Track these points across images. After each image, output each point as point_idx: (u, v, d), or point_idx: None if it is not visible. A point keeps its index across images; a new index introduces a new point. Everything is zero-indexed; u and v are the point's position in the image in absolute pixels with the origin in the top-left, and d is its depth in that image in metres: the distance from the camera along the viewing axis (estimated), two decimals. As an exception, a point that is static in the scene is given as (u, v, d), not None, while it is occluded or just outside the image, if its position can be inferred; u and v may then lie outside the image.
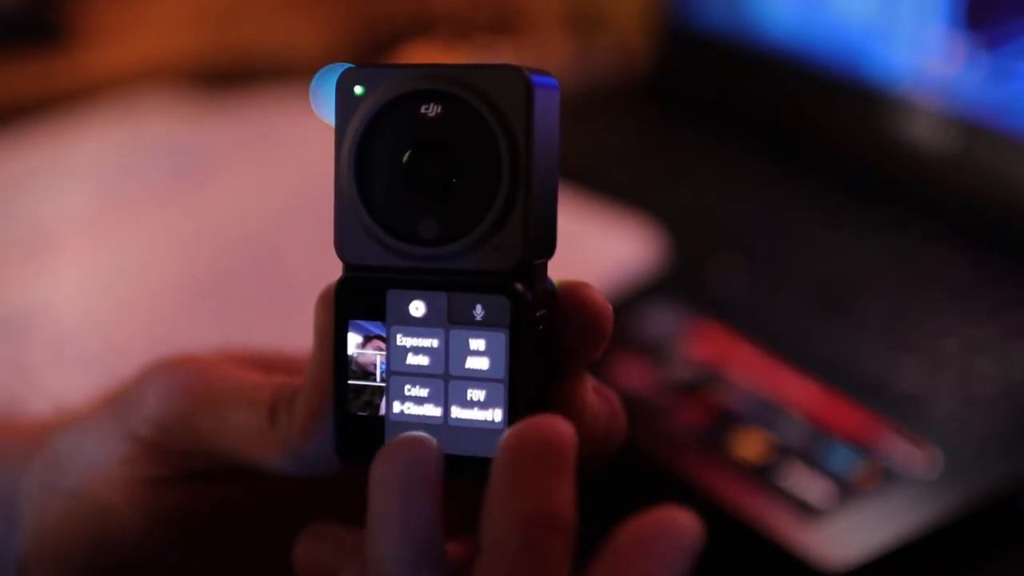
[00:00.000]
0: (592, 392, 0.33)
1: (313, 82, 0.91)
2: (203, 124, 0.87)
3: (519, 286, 0.31)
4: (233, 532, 0.37)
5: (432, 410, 0.32)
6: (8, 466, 0.38)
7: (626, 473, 0.36)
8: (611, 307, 0.32)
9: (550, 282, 0.32)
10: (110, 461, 0.35)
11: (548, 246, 0.32)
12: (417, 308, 0.32)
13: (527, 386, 0.31)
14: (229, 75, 1.01)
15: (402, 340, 0.32)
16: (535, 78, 0.31)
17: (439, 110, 0.31)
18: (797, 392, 0.57)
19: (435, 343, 0.31)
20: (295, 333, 0.36)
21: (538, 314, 0.31)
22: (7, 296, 0.63)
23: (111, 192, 0.76)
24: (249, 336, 0.62)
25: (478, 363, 0.31)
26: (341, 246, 0.32)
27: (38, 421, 0.42)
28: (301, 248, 0.69)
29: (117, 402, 0.36)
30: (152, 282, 0.66)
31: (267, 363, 0.37)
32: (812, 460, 0.52)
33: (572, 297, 0.32)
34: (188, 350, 0.37)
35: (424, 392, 0.32)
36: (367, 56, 1.01)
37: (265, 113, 0.88)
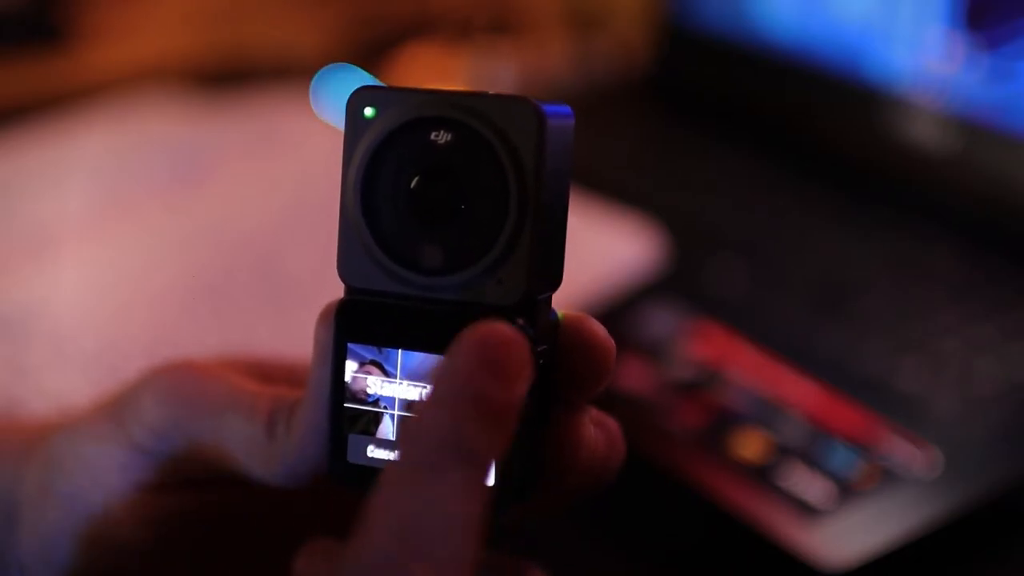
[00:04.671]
0: (591, 425, 0.32)
1: (313, 82, 0.90)
2: (203, 124, 0.87)
3: (520, 321, 0.30)
4: (231, 540, 0.37)
5: None
6: (7, 467, 0.38)
7: (626, 473, 0.36)
8: (614, 343, 0.32)
9: (554, 314, 0.32)
10: (107, 467, 0.35)
11: (553, 280, 0.32)
12: (417, 336, 0.31)
13: (524, 420, 0.30)
14: (229, 75, 1.00)
15: (400, 367, 0.31)
16: (548, 109, 0.30)
17: (449, 138, 0.31)
18: (797, 392, 0.57)
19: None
20: (295, 333, 0.36)
21: (539, 349, 0.31)
22: (7, 295, 0.63)
23: (111, 192, 0.76)
24: (249, 336, 0.62)
25: None
26: (343, 268, 0.32)
27: (37, 422, 0.42)
28: (301, 248, 0.69)
29: (114, 407, 0.36)
30: (152, 282, 0.66)
31: (268, 370, 0.37)
32: (812, 460, 0.52)
33: (575, 332, 0.32)
34: (189, 354, 0.37)
35: None
36: (366, 56, 1.01)
37: (265, 113, 0.88)
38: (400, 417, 0.31)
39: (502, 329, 0.28)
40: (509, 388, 0.28)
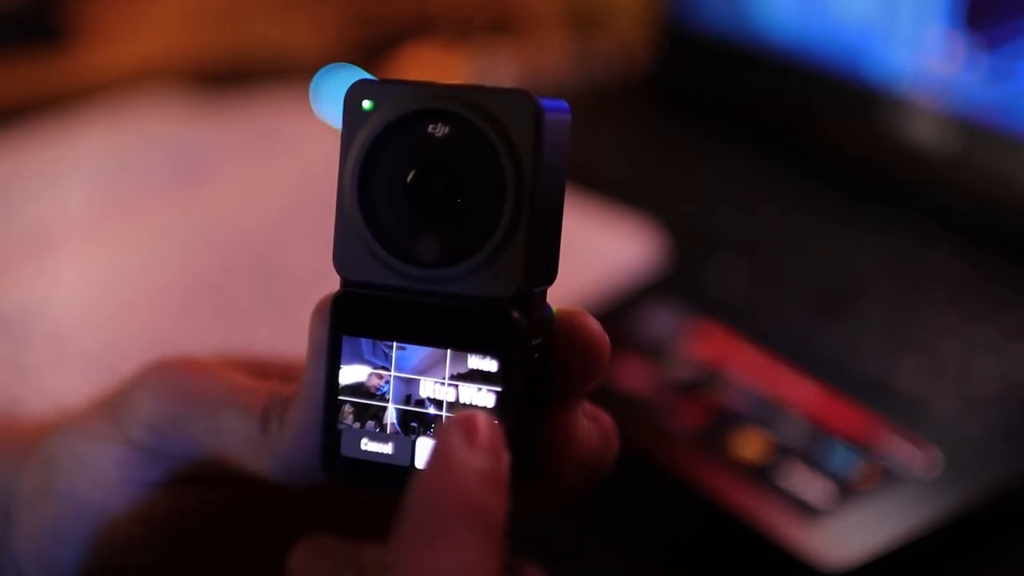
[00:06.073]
0: (584, 419, 0.32)
1: (313, 82, 0.90)
2: (203, 124, 0.87)
3: (515, 314, 0.30)
4: (230, 538, 0.37)
5: (420, 432, 0.31)
6: (5, 467, 0.38)
7: (626, 473, 0.36)
8: (608, 338, 0.32)
9: (548, 308, 0.32)
10: (103, 464, 0.35)
11: (549, 274, 0.32)
12: (411, 329, 0.31)
13: (518, 414, 0.31)
14: (229, 75, 1.00)
15: (394, 360, 0.31)
16: (545, 103, 0.30)
17: (446, 131, 0.31)
18: (797, 392, 0.57)
19: (427, 366, 0.31)
20: (295, 333, 0.36)
21: (533, 343, 0.31)
22: (7, 295, 0.63)
23: (111, 192, 0.76)
24: (249, 336, 0.62)
25: (470, 389, 0.31)
26: (339, 261, 0.32)
27: (35, 422, 0.42)
28: (301, 248, 0.69)
29: (110, 404, 0.36)
30: (152, 282, 0.66)
31: (265, 367, 0.37)
32: (812, 460, 0.52)
33: (569, 326, 0.32)
34: (186, 351, 0.37)
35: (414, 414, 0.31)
36: (366, 56, 1.01)
37: (265, 113, 0.88)
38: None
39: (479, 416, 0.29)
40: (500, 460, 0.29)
